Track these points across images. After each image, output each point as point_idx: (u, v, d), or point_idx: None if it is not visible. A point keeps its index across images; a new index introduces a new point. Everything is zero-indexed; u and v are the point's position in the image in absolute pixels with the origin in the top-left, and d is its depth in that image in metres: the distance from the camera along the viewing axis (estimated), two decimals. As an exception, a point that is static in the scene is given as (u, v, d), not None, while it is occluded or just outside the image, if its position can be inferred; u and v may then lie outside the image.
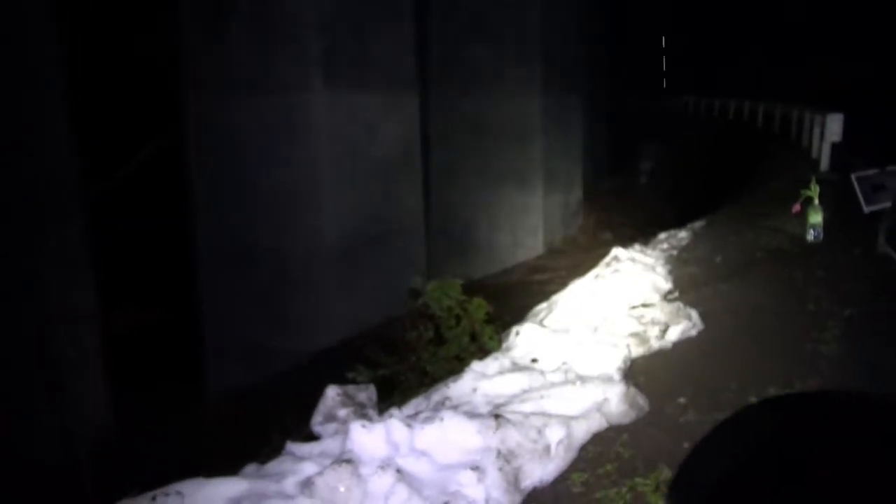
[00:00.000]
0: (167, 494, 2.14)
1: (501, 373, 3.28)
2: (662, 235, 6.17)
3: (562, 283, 5.63)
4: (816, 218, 5.32)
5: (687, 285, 4.63)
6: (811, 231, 5.33)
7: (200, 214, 7.59)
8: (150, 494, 2.17)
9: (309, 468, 2.44)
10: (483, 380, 3.21)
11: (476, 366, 3.36)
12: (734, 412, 0.58)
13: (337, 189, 7.52)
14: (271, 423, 3.87)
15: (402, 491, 2.34)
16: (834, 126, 8.25)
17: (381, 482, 2.36)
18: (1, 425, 4.27)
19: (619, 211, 9.33)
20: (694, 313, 3.95)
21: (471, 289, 5.07)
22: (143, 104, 7.81)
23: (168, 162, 7.69)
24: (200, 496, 2.27)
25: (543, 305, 4.45)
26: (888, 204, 4.60)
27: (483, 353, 4.00)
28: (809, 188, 5.41)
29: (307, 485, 2.33)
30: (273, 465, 2.56)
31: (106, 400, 5.45)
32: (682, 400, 3.09)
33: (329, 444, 2.65)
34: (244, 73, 7.25)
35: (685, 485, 0.55)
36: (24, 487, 3.84)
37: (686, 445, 2.67)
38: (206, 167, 7.55)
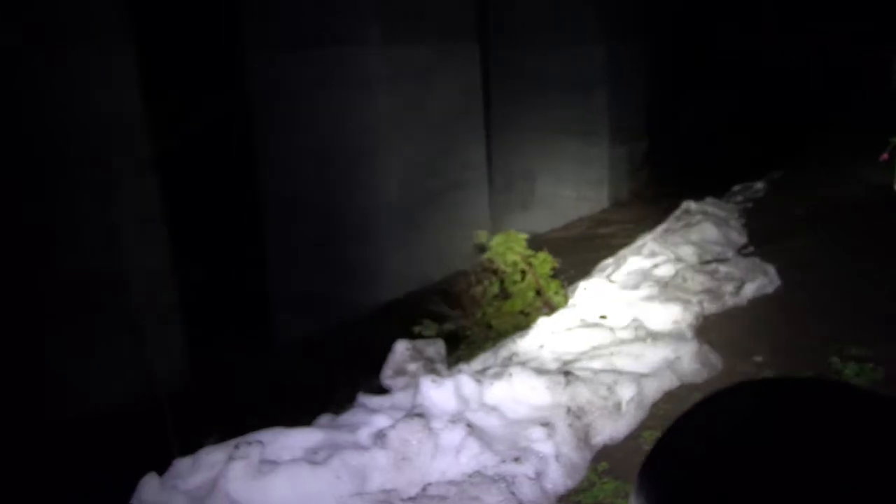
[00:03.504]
0: (249, 443, 2.22)
1: (569, 329, 3.25)
2: (737, 187, 5.91)
3: (627, 237, 5.49)
4: (905, 168, 5.00)
5: (763, 239, 4.44)
6: (899, 182, 5.01)
7: (264, 169, 7.72)
8: (232, 442, 2.26)
9: (381, 421, 2.48)
10: (551, 336, 3.19)
11: (543, 322, 3.34)
12: (712, 392, 0.55)
13: (396, 142, 7.48)
14: (337, 372, 3.96)
15: (473, 445, 2.36)
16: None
17: (453, 436, 2.38)
18: (87, 376, 4.51)
19: (691, 161, 8.97)
20: (770, 268, 3.80)
21: (534, 242, 5.00)
22: (209, 60, 7.89)
23: (234, 118, 7.81)
24: (279, 445, 2.36)
25: (610, 260, 4.36)
26: None
27: (548, 308, 3.96)
28: (899, 136, 5.06)
29: (380, 437, 2.38)
30: (346, 417, 2.62)
31: (183, 348, 5.69)
32: (757, 359, 3.00)
33: (400, 398, 2.69)
34: (301, 27, 7.22)
35: (657, 466, 0.52)
36: (109, 435, 4.06)
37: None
38: (269, 122, 7.63)
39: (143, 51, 5.26)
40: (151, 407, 3.81)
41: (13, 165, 4.26)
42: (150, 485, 2.22)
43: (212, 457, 2.27)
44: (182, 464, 2.32)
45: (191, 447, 2.68)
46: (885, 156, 5.11)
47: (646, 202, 7.91)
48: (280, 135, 7.51)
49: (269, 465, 2.21)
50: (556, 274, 4.45)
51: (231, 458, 2.15)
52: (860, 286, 3.61)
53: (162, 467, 2.38)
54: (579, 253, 5.61)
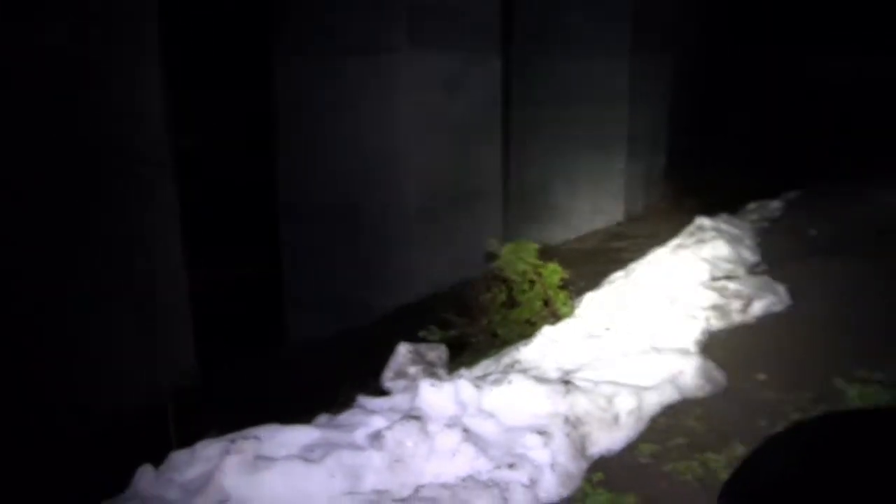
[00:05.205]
0: (245, 438, 2.25)
1: (573, 339, 3.25)
2: (752, 205, 5.86)
3: (640, 251, 5.47)
4: (927, 191, 4.94)
5: (776, 259, 4.40)
6: (920, 205, 4.96)
7: (282, 171, 7.80)
8: (229, 437, 2.29)
9: (378, 422, 2.50)
10: (554, 345, 3.19)
11: (547, 331, 3.34)
12: (791, 424, 0.57)
13: (416, 149, 7.53)
14: (342, 374, 3.98)
15: (468, 450, 2.37)
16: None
17: (448, 440, 2.39)
18: (95, 369, 4.58)
19: (709, 177, 8.91)
20: (781, 288, 3.77)
21: (546, 253, 5.00)
22: (233, 63, 8.03)
23: (256, 123, 7.93)
24: (276, 441, 2.38)
25: (620, 273, 4.35)
26: None
27: (555, 318, 3.96)
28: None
29: (376, 438, 2.39)
30: (345, 417, 2.64)
31: (192, 346, 5.76)
32: (761, 377, 2.97)
33: (399, 400, 2.71)
34: (327, 33, 7.32)
35: (739, 491, 0.55)
36: (111, 430, 4.12)
37: (763, 423, 2.57)
38: (289, 126, 7.72)
39: (169, 55, 5.36)
40: (160, 401, 3.88)
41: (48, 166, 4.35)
42: (145, 476, 2.25)
43: (208, 450, 2.30)
44: (178, 456, 2.35)
45: (191, 441, 2.71)
46: (906, 178, 5.07)
47: (661, 217, 7.87)
48: (301, 139, 7.60)
49: (264, 460, 2.23)
50: (565, 285, 4.44)
51: (227, 453, 2.18)
52: (872, 309, 3.57)
53: (162, 460, 2.42)
54: (591, 265, 5.60)
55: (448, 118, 7.49)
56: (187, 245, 5.48)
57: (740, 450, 2.40)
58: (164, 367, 5.00)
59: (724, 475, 2.33)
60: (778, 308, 3.60)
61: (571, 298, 4.23)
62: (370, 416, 2.58)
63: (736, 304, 3.56)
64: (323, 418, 2.68)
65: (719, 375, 3.01)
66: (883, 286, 3.80)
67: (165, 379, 4.66)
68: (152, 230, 5.11)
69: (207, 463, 2.27)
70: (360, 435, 2.45)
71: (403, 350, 3.08)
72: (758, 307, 3.57)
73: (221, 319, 6.53)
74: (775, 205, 5.91)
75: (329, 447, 2.35)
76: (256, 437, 2.29)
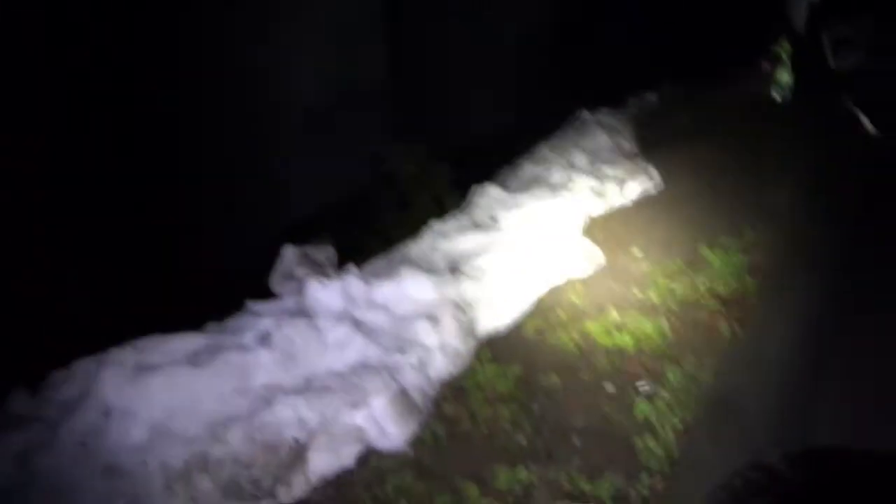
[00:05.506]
0: (122, 349, 2.17)
1: (461, 232, 3.30)
2: (632, 99, 6.04)
3: (528, 147, 5.56)
4: (784, 77, 5.26)
5: (651, 146, 4.59)
6: (778, 90, 5.29)
7: (168, 100, 7.25)
8: (105, 350, 2.20)
9: (267, 323, 2.48)
10: (442, 238, 3.24)
11: (436, 225, 3.38)
12: (759, 463, 0.57)
13: (302, 57, 7.17)
14: (235, 287, 3.89)
15: (358, 340, 2.40)
16: (813, -18, 7.92)
17: (338, 333, 2.41)
18: None
19: (594, 78, 9.07)
20: (655, 172, 3.96)
21: (437, 155, 4.99)
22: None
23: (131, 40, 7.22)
24: (160, 351, 2.31)
25: (506, 167, 4.42)
26: (855, 58, 4.54)
27: (445, 213, 4.00)
28: (780, 46, 5.32)
29: (265, 337, 2.38)
30: (232, 322, 2.60)
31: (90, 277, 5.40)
32: (636, 253, 3.15)
33: (287, 302, 2.69)
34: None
35: None
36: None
37: (635, 291, 2.75)
38: (172, 45, 7.12)
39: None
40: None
41: None
42: (18, 397, 2.15)
43: (86, 366, 2.21)
44: (56, 376, 2.25)
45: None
46: (766, 66, 5.37)
47: (549, 115, 7.99)
48: (186, 57, 7.06)
49: (146, 369, 2.17)
50: (457, 184, 4.47)
51: (102, 364, 2.10)
52: (734, 185, 3.82)
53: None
54: (482, 163, 5.65)
55: (333, 22, 7.15)
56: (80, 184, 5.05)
57: (614, 315, 2.57)
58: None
59: (602, 340, 2.49)
60: (652, 190, 3.79)
61: (461, 197, 4.27)
62: (258, 318, 2.55)
63: (615, 189, 3.71)
64: (211, 326, 2.62)
65: (600, 255, 3.16)
66: (742, 164, 4.07)
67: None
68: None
69: (86, 378, 2.18)
70: (248, 337, 2.42)
71: (290, 253, 3.02)
72: (634, 191, 3.74)
73: (118, 248, 6.15)
74: (652, 98, 6.11)
75: (216, 350, 2.31)
76: (134, 348, 2.21)
